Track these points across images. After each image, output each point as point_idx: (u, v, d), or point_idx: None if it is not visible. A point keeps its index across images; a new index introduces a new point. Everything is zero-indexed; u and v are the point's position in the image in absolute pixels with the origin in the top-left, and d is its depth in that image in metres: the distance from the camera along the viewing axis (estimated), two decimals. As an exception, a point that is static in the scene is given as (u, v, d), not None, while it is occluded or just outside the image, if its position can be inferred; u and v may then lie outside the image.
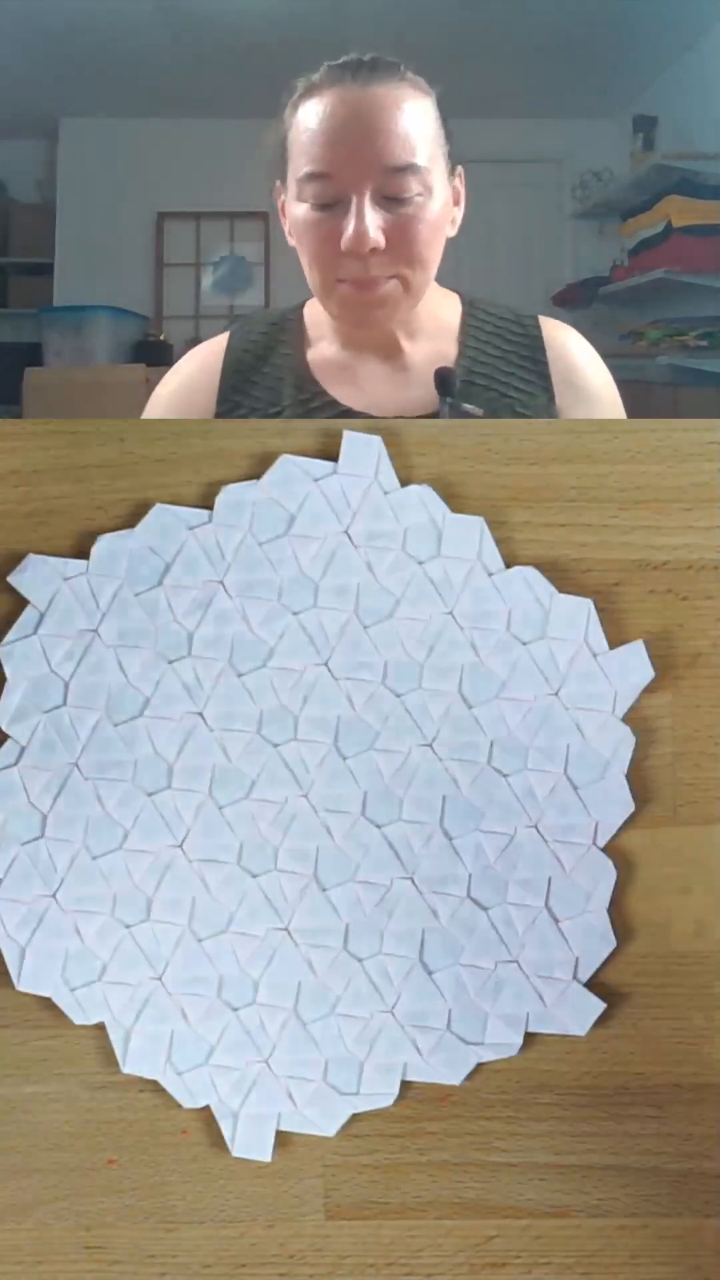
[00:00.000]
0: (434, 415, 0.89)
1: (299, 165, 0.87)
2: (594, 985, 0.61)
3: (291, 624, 0.62)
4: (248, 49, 3.34)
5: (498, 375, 0.93)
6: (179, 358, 1.01)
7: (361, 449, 0.62)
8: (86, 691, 0.62)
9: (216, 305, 4.43)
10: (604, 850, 0.61)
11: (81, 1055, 0.62)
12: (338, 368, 0.94)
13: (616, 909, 0.61)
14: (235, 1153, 0.61)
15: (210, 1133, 0.62)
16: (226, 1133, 0.61)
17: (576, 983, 0.61)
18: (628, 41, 3.30)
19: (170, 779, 0.62)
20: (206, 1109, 0.62)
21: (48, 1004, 0.62)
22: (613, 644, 0.62)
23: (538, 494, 0.62)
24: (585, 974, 0.61)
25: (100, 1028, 0.62)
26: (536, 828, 0.61)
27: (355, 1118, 0.61)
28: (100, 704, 0.62)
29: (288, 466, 0.62)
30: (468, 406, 0.87)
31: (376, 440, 0.62)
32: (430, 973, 0.61)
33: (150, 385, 0.99)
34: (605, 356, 0.98)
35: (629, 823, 0.61)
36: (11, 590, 0.62)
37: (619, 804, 0.61)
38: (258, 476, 0.62)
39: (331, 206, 0.86)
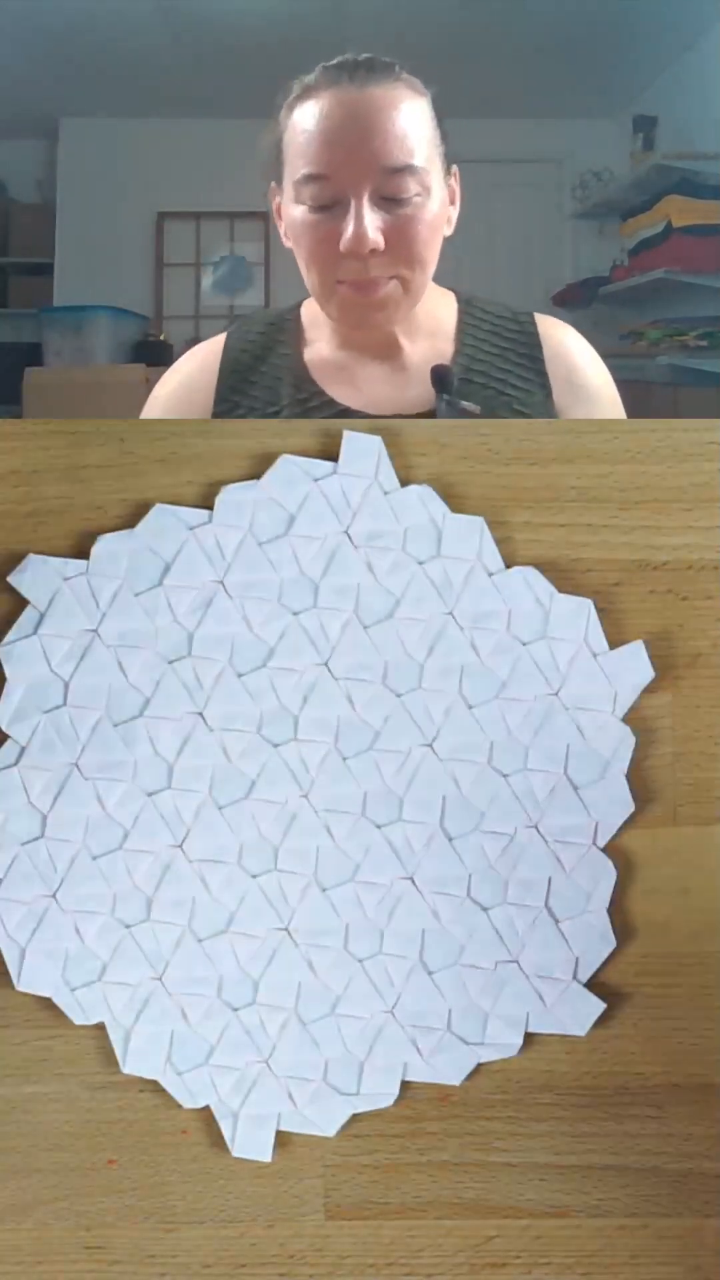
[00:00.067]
0: (431, 414, 0.89)
1: (296, 167, 0.86)
2: (594, 985, 0.61)
3: (291, 624, 0.62)
4: (247, 49, 3.34)
5: (495, 373, 0.93)
6: (179, 358, 1.01)
7: (361, 449, 0.62)
8: (86, 692, 0.62)
9: (216, 305, 4.43)
10: (604, 850, 0.61)
11: (81, 1055, 0.62)
12: (335, 367, 0.94)
13: (616, 909, 0.61)
14: (235, 1153, 0.61)
15: (210, 1133, 0.62)
16: (226, 1133, 0.61)
17: (576, 983, 0.61)
18: (628, 41, 3.30)
19: (170, 779, 0.62)
20: (206, 1109, 0.62)
21: (48, 1004, 0.62)
22: (613, 644, 0.62)
23: (538, 494, 0.62)
24: (585, 974, 0.61)
25: (100, 1028, 0.62)
26: (537, 828, 0.61)
27: (355, 1118, 0.61)
28: (100, 704, 0.62)
29: (288, 466, 0.62)
30: (465, 404, 0.87)
31: (376, 440, 0.62)
32: (430, 973, 0.61)
33: (150, 385, 0.99)
34: (605, 357, 0.98)
35: (629, 823, 0.61)
36: (11, 590, 0.62)
37: (619, 804, 0.61)
38: (258, 476, 0.62)
39: (330, 208, 0.85)
